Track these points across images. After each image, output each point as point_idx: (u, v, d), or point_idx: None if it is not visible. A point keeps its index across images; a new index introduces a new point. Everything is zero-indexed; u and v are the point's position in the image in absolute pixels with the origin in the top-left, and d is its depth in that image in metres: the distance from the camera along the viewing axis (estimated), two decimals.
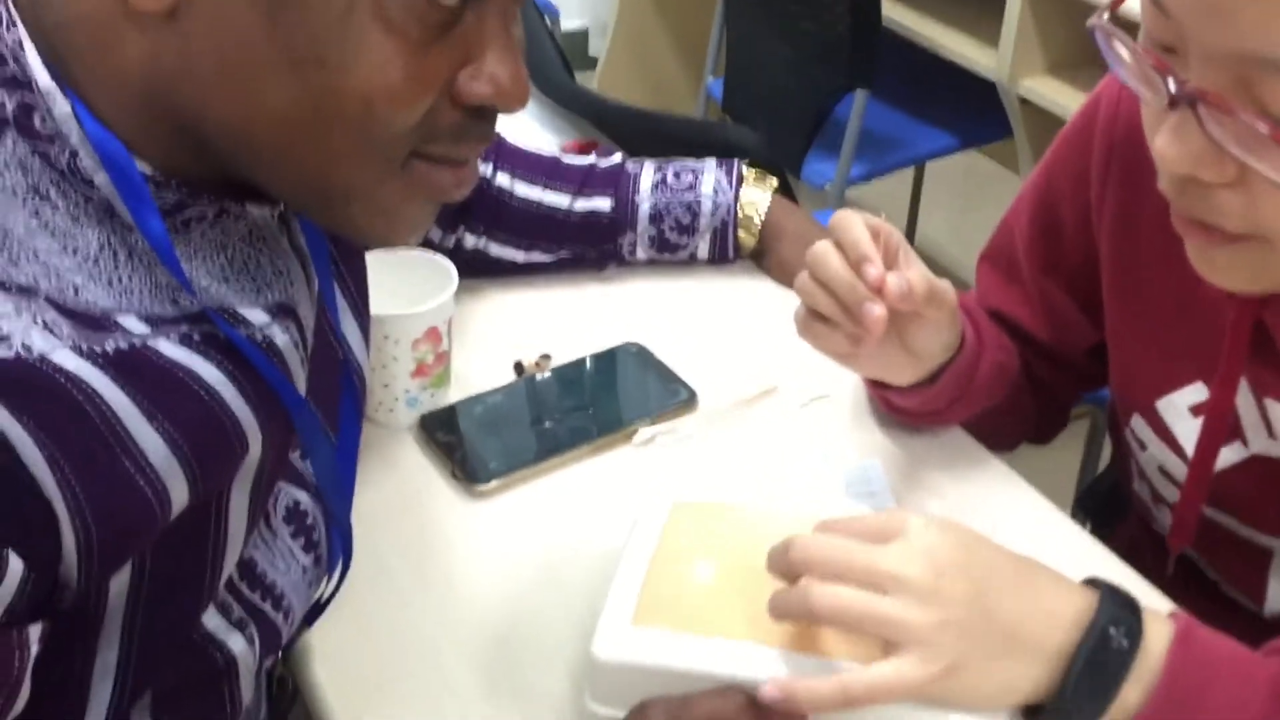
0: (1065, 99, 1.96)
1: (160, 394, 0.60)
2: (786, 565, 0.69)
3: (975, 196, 3.06)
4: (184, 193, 0.62)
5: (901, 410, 0.97)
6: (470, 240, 1.13)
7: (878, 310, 0.78)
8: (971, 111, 2.28)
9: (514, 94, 0.60)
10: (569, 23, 3.40)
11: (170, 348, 0.61)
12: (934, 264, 3.01)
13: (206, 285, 0.64)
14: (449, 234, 1.13)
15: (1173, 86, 0.64)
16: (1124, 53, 0.68)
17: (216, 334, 0.63)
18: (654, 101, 3.14)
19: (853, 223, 0.81)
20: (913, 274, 0.81)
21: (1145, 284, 0.87)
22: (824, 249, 0.81)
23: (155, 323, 0.61)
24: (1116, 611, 0.67)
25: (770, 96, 2.31)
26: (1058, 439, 1.09)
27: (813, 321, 0.84)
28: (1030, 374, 0.99)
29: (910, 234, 2.88)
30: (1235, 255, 0.69)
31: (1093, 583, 0.70)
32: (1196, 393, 0.86)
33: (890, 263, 0.81)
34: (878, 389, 0.97)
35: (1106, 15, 0.69)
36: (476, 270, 1.13)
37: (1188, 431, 0.87)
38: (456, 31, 0.58)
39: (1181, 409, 0.87)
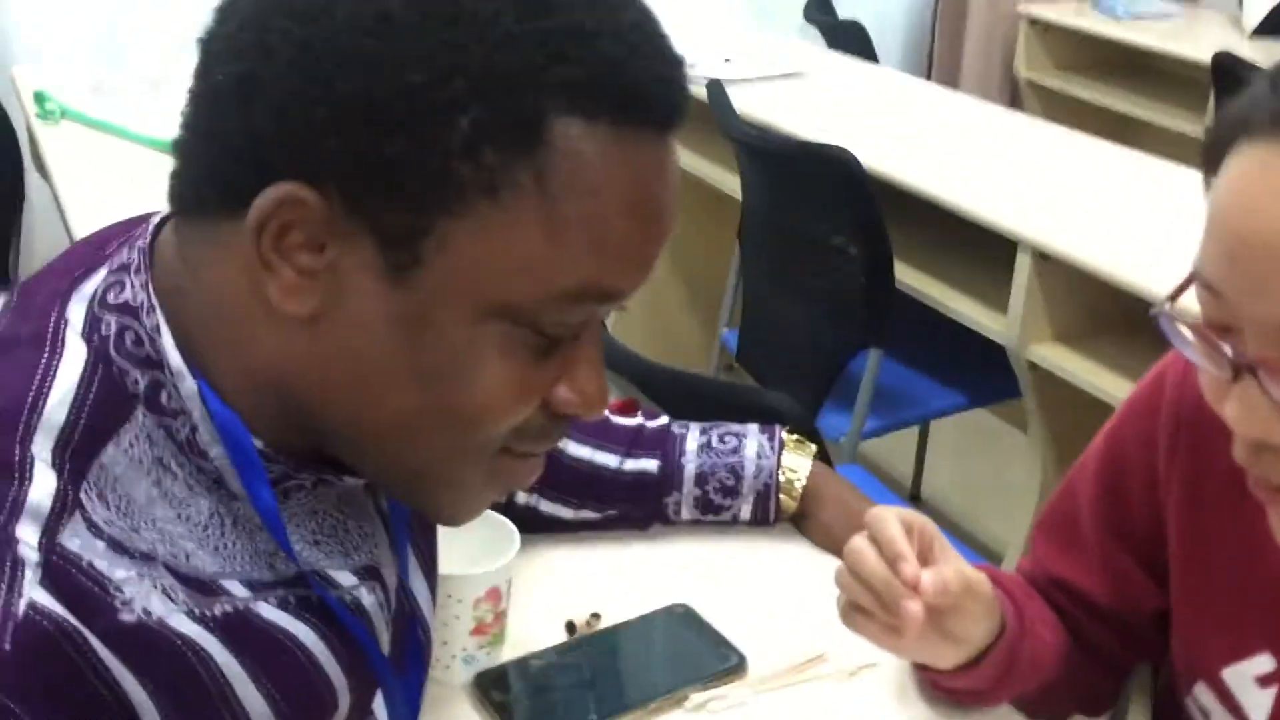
0: (1073, 365, 2.01)
1: (263, 656, 0.62)
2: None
3: (979, 450, 3.10)
4: (290, 465, 0.66)
5: (947, 690, 0.98)
6: (521, 497, 1.15)
7: (914, 607, 0.81)
8: (980, 371, 2.30)
9: (598, 405, 0.65)
10: None
11: (270, 611, 0.63)
12: (939, 515, 2.96)
13: (300, 549, 0.67)
14: None
15: (1230, 355, 0.69)
16: (1186, 333, 0.73)
17: (310, 596, 0.66)
18: (667, 350, 3.19)
19: (888, 520, 0.84)
20: (948, 570, 0.83)
21: (1213, 553, 0.89)
22: (860, 546, 0.85)
23: (255, 587, 0.63)
24: None
25: (784, 350, 2.36)
26: None
27: (853, 611, 0.86)
28: (1088, 642, 1.00)
29: (915, 485, 2.90)
30: None
31: None
32: (1265, 663, 0.87)
33: (926, 556, 0.83)
34: (923, 669, 0.98)
35: (1168, 305, 0.75)
36: (525, 527, 1.13)
37: (1256, 702, 0.88)
38: (557, 352, 0.63)
39: (1248, 679, 0.88)
